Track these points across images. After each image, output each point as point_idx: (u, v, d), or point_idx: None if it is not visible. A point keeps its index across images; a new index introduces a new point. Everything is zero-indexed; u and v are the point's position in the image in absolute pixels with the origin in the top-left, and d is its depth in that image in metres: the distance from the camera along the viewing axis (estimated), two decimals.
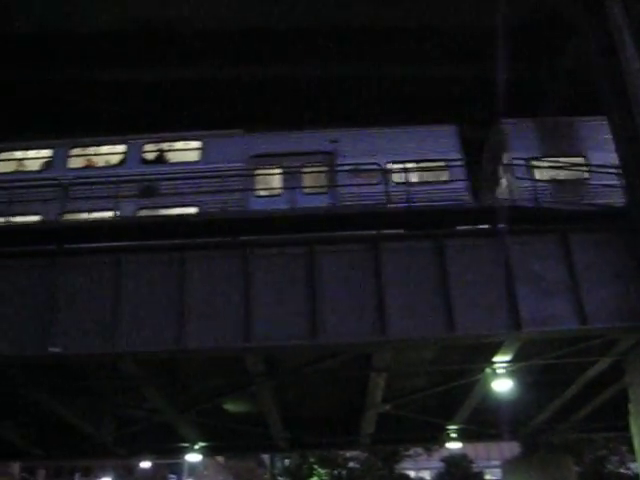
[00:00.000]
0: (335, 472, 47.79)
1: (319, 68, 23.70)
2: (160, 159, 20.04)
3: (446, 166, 18.73)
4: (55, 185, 18.49)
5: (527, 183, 18.23)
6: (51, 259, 16.36)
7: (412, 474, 54.96)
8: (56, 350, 15.33)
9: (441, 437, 25.55)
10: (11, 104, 23.23)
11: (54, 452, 26.25)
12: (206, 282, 15.83)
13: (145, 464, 39.02)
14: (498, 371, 17.48)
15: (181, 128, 20.91)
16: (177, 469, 50.39)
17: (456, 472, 49.45)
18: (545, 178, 18.80)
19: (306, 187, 19.02)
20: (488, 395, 20.02)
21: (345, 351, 16.95)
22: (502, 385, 17.94)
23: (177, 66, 23.68)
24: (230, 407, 23.18)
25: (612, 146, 17.28)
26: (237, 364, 17.33)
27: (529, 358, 17.94)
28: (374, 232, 16.77)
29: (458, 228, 17.16)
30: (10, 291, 16.09)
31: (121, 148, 20.18)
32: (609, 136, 17.46)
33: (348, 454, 47.33)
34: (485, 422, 24.21)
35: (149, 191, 18.63)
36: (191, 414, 21.92)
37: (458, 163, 18.73)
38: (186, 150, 19.99)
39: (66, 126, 23.33)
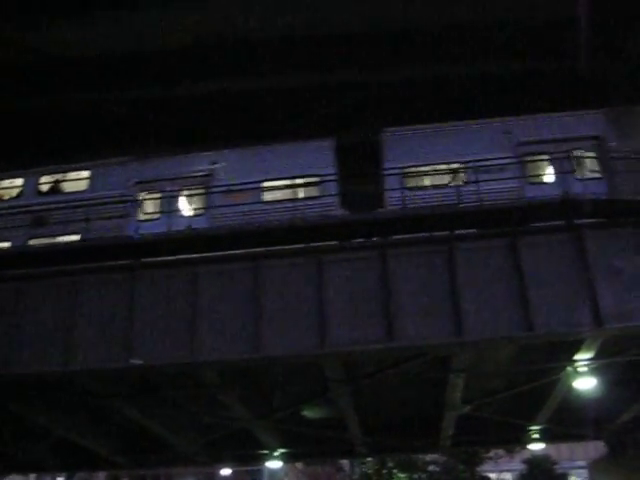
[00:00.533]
0: (415, 476, 47.47)
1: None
2: (54, 190, 20.77)
3: (320, 182, 18.53)
4: None
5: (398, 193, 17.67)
6: (129, 273, 16.86)
7: (493, 476, 53.87)
8: (138, 362, 15.73)
9: (523, 438, 25.17)
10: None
11: (137, 461, 26.89)
12: (281, 289, 16.03)
13: (226, 471, 39.60)
14: (580, 369, 17.10)
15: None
16: (257, 475, 50.74)
17: (539, 474, 48.10)
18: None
19: (182, 210, 19.41)
20: (570, 394, 19.60)
21: (422, 353, 16.84)
22: (585, 383, 17.57)
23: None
24: (309, 413, 23.26)
25: None
26: (315, 370, 17.45)
27: (612, 355, 17.46)
28: (446, 233, 16.60)
29: (532, 225, 16.84)
30: (90, 306, 16.64)
31: (19, 182, 20.91)
32: None
33: (428, 457, 46.89)
34: (568, 422, 23.71)
35: (40, 221, 19.33)
36: (271, 421, 22.14)
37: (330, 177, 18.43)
38: (77, 180, 20.56)
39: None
